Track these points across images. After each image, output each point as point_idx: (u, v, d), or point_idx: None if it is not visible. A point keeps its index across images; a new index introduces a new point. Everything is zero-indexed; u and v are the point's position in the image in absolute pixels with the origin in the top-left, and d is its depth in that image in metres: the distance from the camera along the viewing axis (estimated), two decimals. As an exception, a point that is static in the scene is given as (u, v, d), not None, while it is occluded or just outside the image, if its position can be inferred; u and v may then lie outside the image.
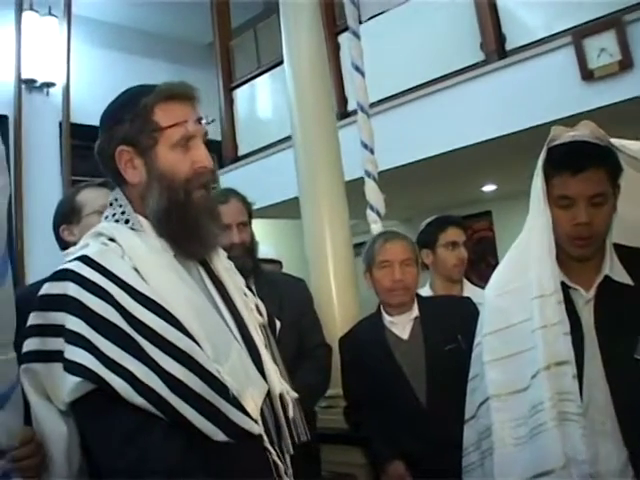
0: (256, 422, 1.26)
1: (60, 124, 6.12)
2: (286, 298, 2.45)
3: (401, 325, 2.38)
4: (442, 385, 2.22)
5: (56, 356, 1.18)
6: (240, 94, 7.18)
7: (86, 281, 1.22)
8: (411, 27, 5.51)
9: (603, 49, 4.21)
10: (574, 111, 4.12)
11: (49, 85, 6.25)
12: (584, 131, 1.64)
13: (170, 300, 1.24)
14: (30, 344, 1.24)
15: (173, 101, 1.36)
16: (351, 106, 5.69)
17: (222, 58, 7.19)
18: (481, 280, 3.42)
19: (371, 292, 2.51)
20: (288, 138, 4.18)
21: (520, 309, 1.62)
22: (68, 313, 1.19)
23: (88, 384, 1.14)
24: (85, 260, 1.25)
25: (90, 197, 2.17)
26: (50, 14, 6.17)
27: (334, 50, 5.82)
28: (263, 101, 7.03)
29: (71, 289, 1.21)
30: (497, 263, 1.84)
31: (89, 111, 6.21)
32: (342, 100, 5.84)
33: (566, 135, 1.64)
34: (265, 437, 1.29)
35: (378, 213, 3.28)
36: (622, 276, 1.63)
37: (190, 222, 1.34)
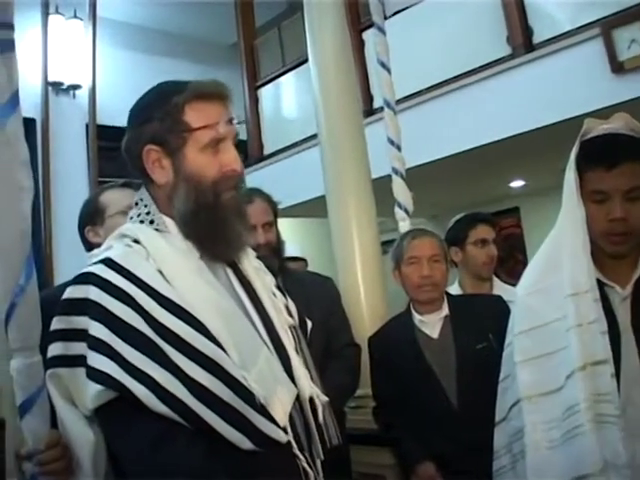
0: (284, 429, 1.23)
1: (87, 126, 6.17)
2: (314, 297, 2.42)
3: (431, 324, 2.36)
4: (473, 385, 2.18)
5: (80, 361, 1.17)
6: (265, 93, 7.19)
7: (109, 285, 1.20)
8: (435, 22, 5.48)
9: (633, 40, 4.13)
10: (604, 104, 4.06)
11: (75, 87, 6.31)
12: (618, 123, 1.59)
13: (195, 304, 1.21)
14: (54, 349, 1.22)
15: (204, 100, 1.32)
16: (377, 103, 5.68)
17: (247, 57, 7.21)
18: (509, 277, 3.39)
19: (399, 290, 2.49)
20: (314, 136, 4.17)
21: (553, 307, 1.58)
22: (90, 318, 1.17)
23: (110, 392, 1.12)
24: (108, 263, 1.23)
25: (114, 197, 2.17)
26: (75, 17, 6.23)
27: (359, 47, 5.80)
28: (288, 100, 7.03)
29: (93, 293, 1.19)
30: (525, 260, 1.80)
31: (115, 112, 6.27)
32: (367, 97, 5.82)
33: (600, 128, 1.60)
34: (294, 443, 1.25)
35: (406, 211, 3.25)
36: None
37: (218, 224, 1.32)
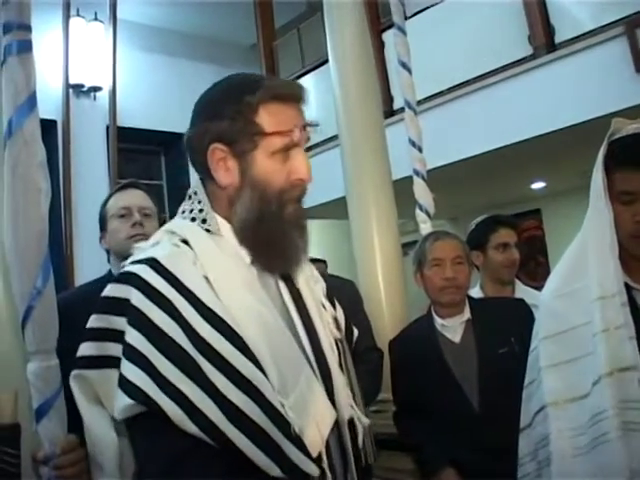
0: (319, 456, 1.16)
1: (107, 127, 6.21)
2: (335, 300, 2.40)
3: (453, 328, 2.33)
4: (495, 390, 2.15)
5: (113, 362, 1.13)
6: (284, 94, 7.18)
7: (151, 289, 1.14)
8: (456, 22, 5.45)
9: (659, 39, 4.08)
10: (628, 104, 4.01)
11: (96, 89, 6.36)
12: (647, 123, 1.56)
13: (240, 318, 1.15)
14: (86, 348, 1.17)
15: (280, 102, 1.24)
16: (397, 104, 5.66)
17: (266, 58, 7.22)
18: (530, 280, 3.37)
19: (420, 293, 2.46)
20: (333, 138, 4.15)
21: (579, 312, 1.54)
22: (128, 324, 1.12)
23: (140, 406, 1.08)
24: (153, 264, 1.17)
25: (112, 201, 2.17)
26: (96, 19, 6.28)
27: (378, 48, 5.78)
28: (308, 100, 7.02)
29: (134, 296, 1.13)
30: (547, 262, 1.77)
31: (135, 114, 6.37)
32: (388, 98, 5.81)
33: (628, 127, 1.56)
34: (328, 471, 1.18)
35: (427, 213, 3.22)
36: None
37: (279, 236, 1.25)
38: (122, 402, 1.09)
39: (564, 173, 6.32)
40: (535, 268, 7.66)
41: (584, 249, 1.58)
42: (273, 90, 1.24)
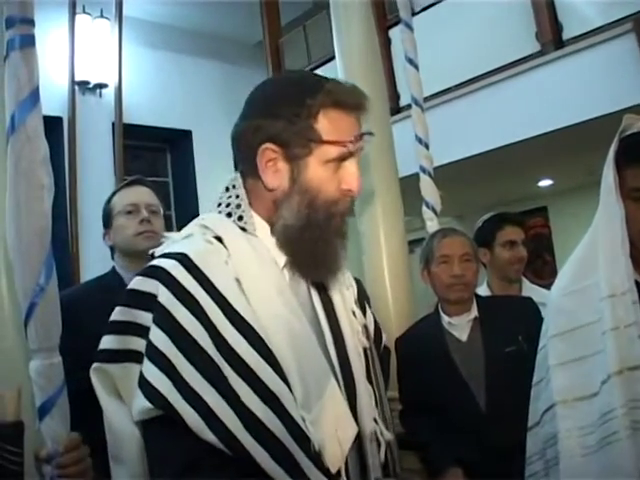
0: (338, 472, 1.13)
1: (113, 124, 6.22)
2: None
3: (460, 326, 2.32)
4: (502, 389, 2.15)
5: (136, 357, 1.10)
6: (290, 92, 7.18)
7: (179, 287, 1.10)
8: (463, 18, 5.44)
9: (667, 36, 4.05)
10: (636, 101, 3.99)
11: (102, 86, 6.37)
12: (659, 119, 1.54)
13: (268, 325, 1.13)
14: (108, 341, 1.14)
15: (341, 110, 1.20)
16: (403, 101, 5.64)
17: (272, 56, 7.20)
18: (537, 278, 3.35)
19: (426, 290, 2.45)
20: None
21: (589, 310, 1.53)
22: (154, 322, 1.09)
23: (158, 410, 1.05)
24: (183, 260, 1.13)
25: (118, 198, 2.17)
26: (102, 16, 6.28)
27: (385, 45, 5.77)
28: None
29: (161, 293, 1.10)
30: (553, 260, 1.75)
31: (140, 111, 6.38)
32: (394, 95, 5.79)
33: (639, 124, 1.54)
34: None
35: (434, 210, 3.21)
36: None
37: (321, 246, 1.21)
38: (140, 404, 1.06)
39: (571, 171, 6.31)
40: (542, 266, 7.64)
41: (594, 246, 1.57)
42: (336, 96, 1.20)
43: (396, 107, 5.71)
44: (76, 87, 6.11)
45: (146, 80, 6.69)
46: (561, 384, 1.55)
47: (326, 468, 1.11)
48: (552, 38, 4.85)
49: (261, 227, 1.23)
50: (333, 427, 1.13)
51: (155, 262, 1.15)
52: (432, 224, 3.19)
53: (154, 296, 1.10)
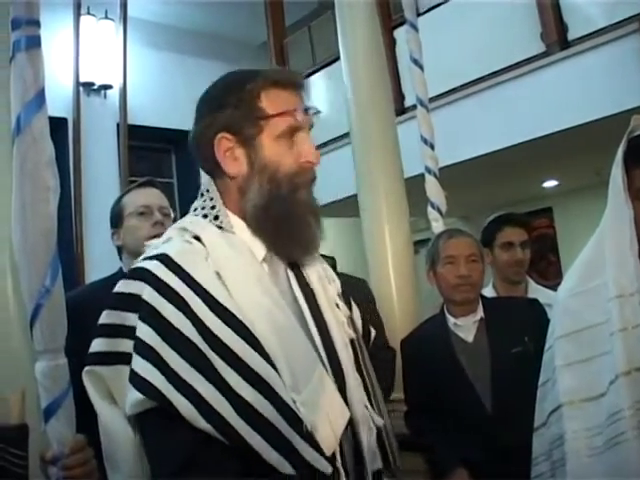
0: (333, 455, 1.15)
1: (117, 125, 6.22)
2: (352, 300, 2.40)
3: (466, 327, 2.31)
4: (508, 390, 2.14)
5: (126, 358, 1.11)
6: (295, 92, 7.18)
7: (163, 285, 1.13)
8: (468, 19, 5.43)
9: (673, 36, 4.04)
10: (642, 102, 3.96)
11: (106, 87, 6.38)
12: (667, 120, 1.53)
13: (251, 314, 1.15)
14: (98, 344, 1.16)
15: (280, 88, 1.27)
16: (408, 102, 5.64)
17: (277, 56, 7.21)
18: (541, 278, 3.34)
19: (432, 292, 2.45)
20: (345, 135, 4.13)
21: (596, 310, 1.52)
22: (140, 319, 1.11)
23: (151, 401, 1.07)
24: (164, 260, 1.17)
25: (130, 199, 2.17)
26: (106, 18, 6.28)
27: (390, 45, 5.77)
28: (319, 98, 7.00)
29: (146, 292, 1.12)
30: (558, 261, 1.74)
31: (145, 112, 6.38)
32: (399, 96, 5.78)
33: (648, 124, 1.54)
34: (341, 469, 1.16)
35: (439, 211, 3.21)
36: None
37: (292, 220, 1.25)
38: (132, 397, 1.08)
39: (576, 172, 6.29)
40: (546, 267, 7.63)
41: (602, 247, 1.56)
42: (272, 77, 1.27)
43: (401, 108, 5.71)
44: (81, 88, 6.12)
45: (151, 81, 6.70)
46: (568, 385, 1.55)
47: (320, 449, 1.12)
48: (557, 39, 4.84)
49: (237, 224, 1.27)
50: (324, 410, 1.15)
51: (137, 265, 1.19)
52: (437, 225, 3.19)
53: (139, 296, 1.13)
